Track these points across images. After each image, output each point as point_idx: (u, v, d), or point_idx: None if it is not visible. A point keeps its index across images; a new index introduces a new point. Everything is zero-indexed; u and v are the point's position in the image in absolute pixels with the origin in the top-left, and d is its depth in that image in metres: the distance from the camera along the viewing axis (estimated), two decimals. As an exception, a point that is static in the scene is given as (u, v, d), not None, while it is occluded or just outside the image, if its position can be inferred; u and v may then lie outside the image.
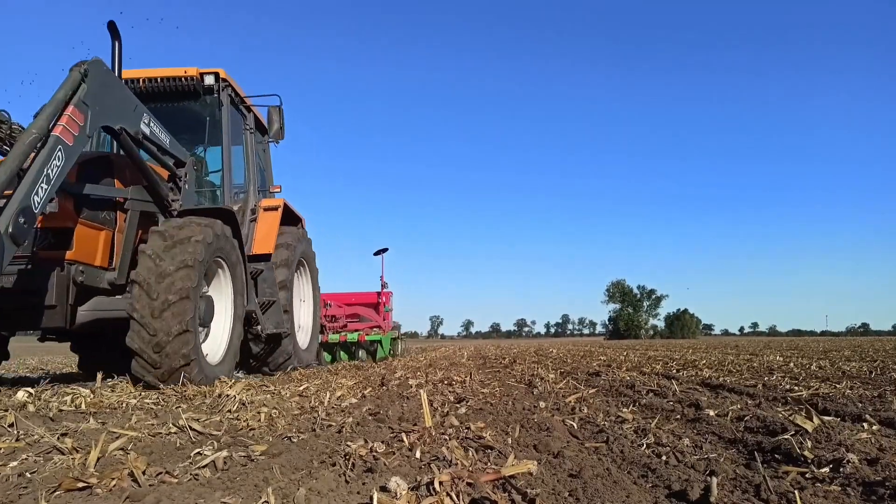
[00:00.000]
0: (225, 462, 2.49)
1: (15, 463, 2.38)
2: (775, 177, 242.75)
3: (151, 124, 6.07)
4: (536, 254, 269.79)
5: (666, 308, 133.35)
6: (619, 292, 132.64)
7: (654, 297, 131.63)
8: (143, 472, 2.20)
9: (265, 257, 8.34)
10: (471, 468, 2.28)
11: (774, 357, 12.63)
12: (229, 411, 3.94)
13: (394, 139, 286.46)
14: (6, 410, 3.19)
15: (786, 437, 2.96)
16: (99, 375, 5.69)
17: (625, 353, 15.65)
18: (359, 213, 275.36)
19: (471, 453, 2.56)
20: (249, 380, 6.52)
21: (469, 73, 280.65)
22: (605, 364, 10.37)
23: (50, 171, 4.66)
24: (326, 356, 13.08)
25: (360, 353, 14.30)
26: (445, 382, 6.14)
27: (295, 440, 3.07)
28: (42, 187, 4.59)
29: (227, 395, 4.63)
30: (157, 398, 4.64)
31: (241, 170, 8.62)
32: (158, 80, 7.42)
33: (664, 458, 2.78)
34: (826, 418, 3.46)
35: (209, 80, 7.57)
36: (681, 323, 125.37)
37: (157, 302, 5.41)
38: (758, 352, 17.30)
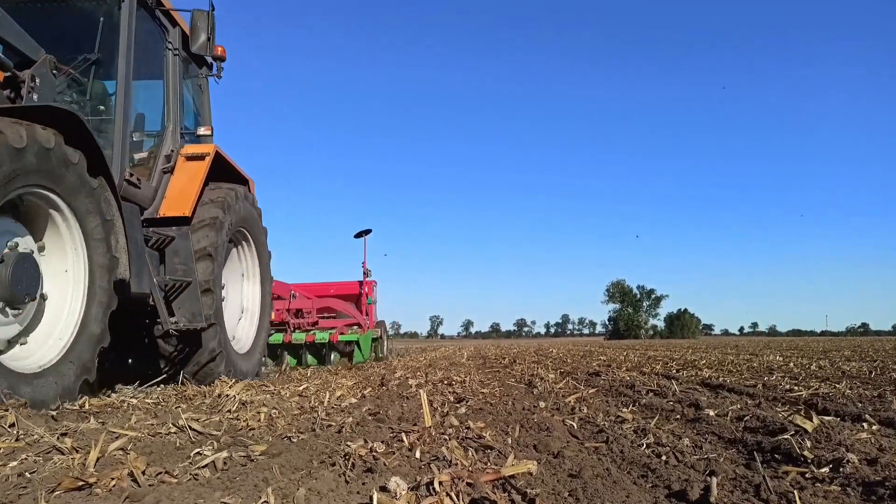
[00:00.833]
0: (225, 462, 2.49)
1: (15, 463, 2.37)
2: (775, 177, 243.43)
3: None
4: (536, 254, 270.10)
5: (666, 308, 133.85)
6: (618, 292, 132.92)
7: (653, 297, 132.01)
8: (143, 472, 2.20)
9: (180, 221, 6.05)
10: (471, 468, 2.28)
11: (774, 357, 12.64)
12: (229, 411, 3.94)
13: (394, 139, 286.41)
14: (6, 410, 3.19)
15: (785, 437, 2.96)
16: None
17: (625, 353, 15.66)
18: (359, 213, 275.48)
19: (471, 453, 2.56)
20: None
21: (469, 73, 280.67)
22: (605, 364, 10.38)
23: None
24: (291, 360, 11.12)
25: (332, 356, 11.58)
26: (445, 382, 6.15)
27: (295, 440, 3.07)
28: None
29: (227, 395, 4.63)
30: (157, 398, 4.65)
31: (154, 100, 6.50)
32: None
33: (664, 458, 2.78)
34: (826, 418, 3.47)
35: None
36: (681, 323, 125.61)
37: None
38: (758, 352, 17.32)
